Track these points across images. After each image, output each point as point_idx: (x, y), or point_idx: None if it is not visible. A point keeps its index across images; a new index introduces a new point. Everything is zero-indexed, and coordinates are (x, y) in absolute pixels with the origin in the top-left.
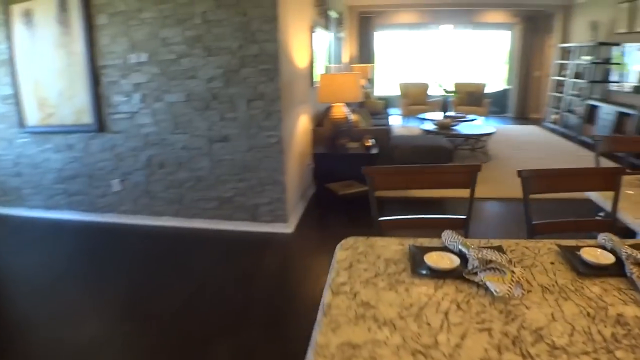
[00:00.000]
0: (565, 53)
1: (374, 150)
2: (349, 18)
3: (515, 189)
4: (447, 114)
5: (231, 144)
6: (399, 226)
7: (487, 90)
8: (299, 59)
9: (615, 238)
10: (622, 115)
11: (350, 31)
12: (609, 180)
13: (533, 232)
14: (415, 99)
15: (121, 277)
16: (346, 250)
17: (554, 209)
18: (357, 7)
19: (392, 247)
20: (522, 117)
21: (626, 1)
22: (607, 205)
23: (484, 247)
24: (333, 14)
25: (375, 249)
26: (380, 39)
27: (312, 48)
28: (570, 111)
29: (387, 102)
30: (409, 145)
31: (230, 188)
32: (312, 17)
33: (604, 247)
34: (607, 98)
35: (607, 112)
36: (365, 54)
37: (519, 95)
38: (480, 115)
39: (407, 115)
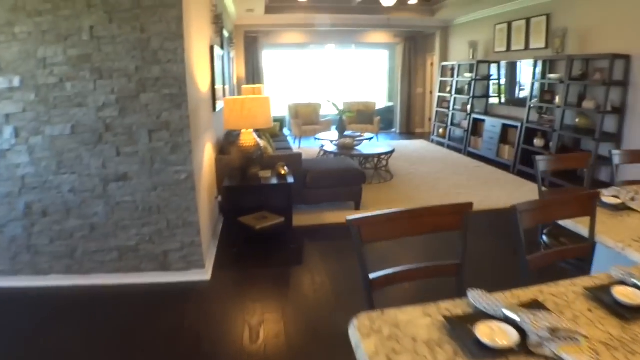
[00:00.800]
0: (447, 70)
1: (290, 179)
2: (236, 38)
3: (433, 203)
4: (346, 133)
5: (131, 184)
6: (390, 282)
7: (376, 109)
8: (202, 82)
9: (630, 270)
10: (506, 127)
11: (238, 51)
12: (586, 206)
13: (527, 270)
14: (307, 119)
15: None
16: (369, 337)
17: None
18: (243, 26)
19: (419, 321)
20: (408, 133)
21: (502, 23)
22: (582, 231)
23: (527, 309)
24: (226, 33)
25: (402, 328)
26: (268, 58)
27: (212, 69)
28: (455, 125)
29: (282, 123)
30: (321, 169)
31: (134, 235)
32: (210, 35)
33: (624, 283)
34: (489, 111)
35: (493, 124)
36: (253, 75)
37: (404, 111)
38: (372, 132)
39: (300, 135)
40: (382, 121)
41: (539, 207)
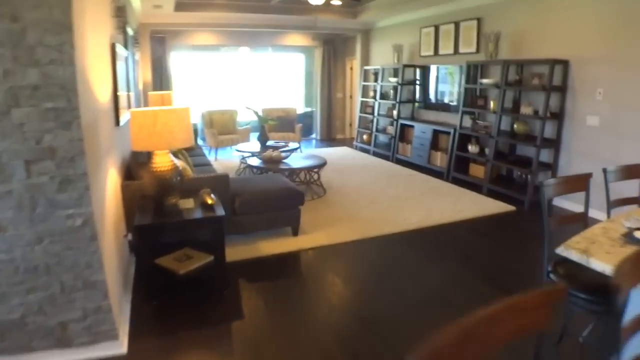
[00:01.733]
0: (370, 75)
1: (220, 210)
2: (141, 38)
3: (378, 221)
4: (268, 143)
5: (5, 236)
6: None
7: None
8: (101, 90)
9: None
10: (437, 133)
11: (143, 53)
12: None
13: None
14: (222, 128)
15: None
16: None
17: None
18: (149, 25)
19: None
20: (329, 139)
21: (428, 26)
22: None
23: None
24: (130, 31)
25: None
26: (177, 62)
27: (115, 73)
28: (380, 131)
29: (196, 133)
30: (251, 191)
31: (16, 305)
32: (110, 31)
33: None
34: (416, 117)
35: (423, 130)
36: (161, 80)
37: (324, 117)
38: (294, 140)
39: (216, 146)
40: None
41: None
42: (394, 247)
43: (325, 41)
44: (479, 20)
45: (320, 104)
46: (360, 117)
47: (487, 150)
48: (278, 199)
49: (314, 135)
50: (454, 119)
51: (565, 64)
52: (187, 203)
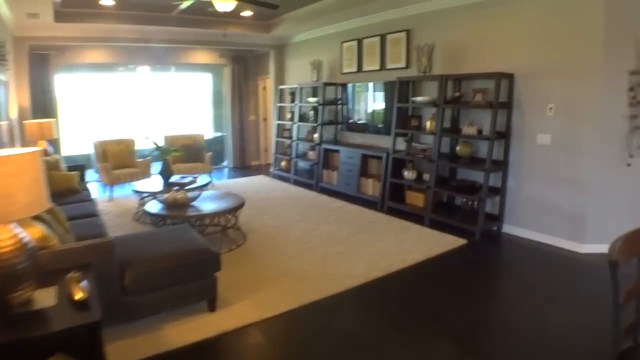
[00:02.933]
0: (286, 95)
1: (95, 314)
2: (16, 55)
3: (315, 277)
4: (173, 179)
5: None
6: None
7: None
8: None
9: None
10: (366, 158)
11: (18, 73)
12: None
13: None
14: (119, 161)
15: None
16: None
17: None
18: (27, 39)
19: None
20: (243, 167)
21: (350, 40)
22: None
23: None
24: None
25: None
26: (65, 84)
27: None
28: (300, 156)
29: (83, 170)
30: (148, 258)
31: None
32: None
33: None
34: (340, 140)
35: (350, 155)
36: (45, 105)
37: (236, 142)
38: (204, 172)
39: (112, 183)
40: (214, 154)
41: None
42: (341, 314)
43: (234, 58)
44: (408, 32)
45: (232, 129)
46: (276, 141)
47: (425, 176)
48: (186, 266)
49: (226, 163)
50: (384, 141)
51: (510, 78)
52: (46, 297)
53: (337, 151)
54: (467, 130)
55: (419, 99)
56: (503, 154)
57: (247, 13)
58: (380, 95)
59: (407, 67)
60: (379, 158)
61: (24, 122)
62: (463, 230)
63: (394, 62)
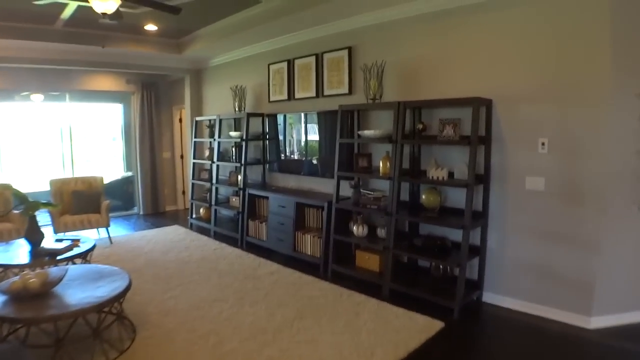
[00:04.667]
0: (204, 128)
1: None
2: None
3: None
4: (49, 241)
5: None
6: None
7: (105, 183)
8: None
9: None
10: (302, 207)
11: None
12: None
13: None
14: None
15: None
16: None
17: None
18: None
19: None
20: (156, 213)
21: (278, 62)
22: None
23: None
24: None
25: None
26: None
27: None
28: (222, 203)
29: None
30: None
31: None
32: None
33: None
34: (269, 184)
35: (281, 204)
36: None
37: (147, 184)
38: (99, 225)
39: None
40: (120, 198)
41: None
42: None
43: (145, 85)
44: (350, 49)
45: (141, 167)
46: (193, 184)
47: (380, 231)
48: None
49: (136, 210)
50: (325, 185)
51: (487, 105)
52: None
53: (266, 198)
54: (435, 173)
55: (368, 132)
56: (482, 203)
57: (151, 27)
58: (316, 128)
59: (350, 92)
60: (319, 208)
61: None
62: (435, 306)
63: (334, 87)
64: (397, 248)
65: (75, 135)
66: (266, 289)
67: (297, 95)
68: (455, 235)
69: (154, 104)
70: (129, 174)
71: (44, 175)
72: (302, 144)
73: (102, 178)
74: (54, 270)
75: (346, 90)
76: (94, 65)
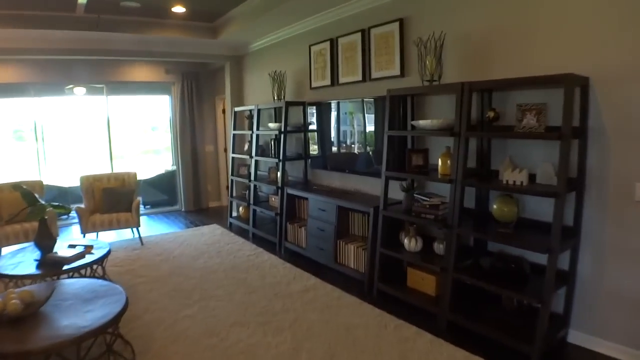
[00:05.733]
0: (243, 119)
1: None
2: None
3: None
4: (63, 247)
5: None
6: None
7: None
8: None
9: None
10: (345, 211)
11: None
12: None
13: None
14: (13, 213)
15: None
16: None
17: None
18: None
19: None
20: (198, 210)
21: (320, 42)
22: None
23: None
24: None
25: None
26: None
27: None
28: (261, 202)
29: None
30: None
31: None
32: None
33: None
34: (312, 183)
35: (321, 207)
36: None
37: (188, 179)
38: (129, 225)
39: (5, 244)
40: (166, 193)
41: None
42: None
43: (184, 75)
44: (401, 22)
45: (182, 162)
46: (232, 180)
47: (437, 246)
48: None
49: (177, 206)
50: (374, 186)
51: (582, 85)
52: None
53: (306, 199)
54: (510, 176)
55: (423, 123)
56: (573, 216)
57: (178, 9)
58: (369, 117)
59: (402, 74)
60: (365, 214)
61: None
62: (506, 349)
63: (383, 68)
64: (458, 270)
65: (116, 129)
66: (297, 312)
67: (341, 80)
68: (536, 255)
69: (195, 95)
70: (174, 168)
71: (85, 171)
72: (348, 136)
73: (135, 174)
74: (41, 288)
75: (397, 72)
76: (129, 55)
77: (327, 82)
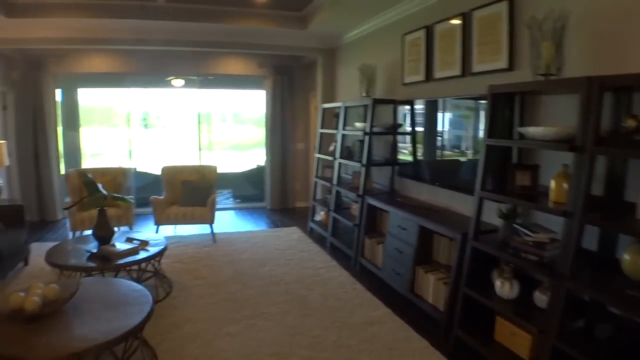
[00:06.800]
0: (330, 117)
1: None
2: None
3: None
4: (121, 240)
5: None
6: None
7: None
8: None
9: None
10: (428, 233)
11: None
12: None
13: None
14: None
15: None
16: None
17: None
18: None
19: None
20: (283, 209)
21: (415, 30)
22: None
23: None
24: None
25: None
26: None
27: None
28: (343, 209)
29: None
30: None
31: None
32: None
33: None
34: (398, 193)
35: (401, 224)
36: (34, 125)
37: (276, 177)
38: (204, 222)
39: (79, 229)
40: (256, 189)
41: None
42: None
43: (276, 69)
44: (511, 0)
45: (272, 158)
46: (316, 182)
47: (539, 297)
48: None
49: (264, 204)
50: (467, 204)
51: None
52: None
53: (387, 212)
54: None
55: (534, 130)
56: None
57: None
58: (464, 120)
59: (509, 67)
60: (450, 239)
61: None
62: None
63: (487, 59)
64: (563, 336)
65: (210, 121)
66: (350, 351)
67: (436, 75)
68: None
69: (288, 90)
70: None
71: (178, 161)
72: (441, 142)
73: (216, 168)
74: (69, 285)
75: (504, 64)
76: (219, 47)
77: (421, 77)
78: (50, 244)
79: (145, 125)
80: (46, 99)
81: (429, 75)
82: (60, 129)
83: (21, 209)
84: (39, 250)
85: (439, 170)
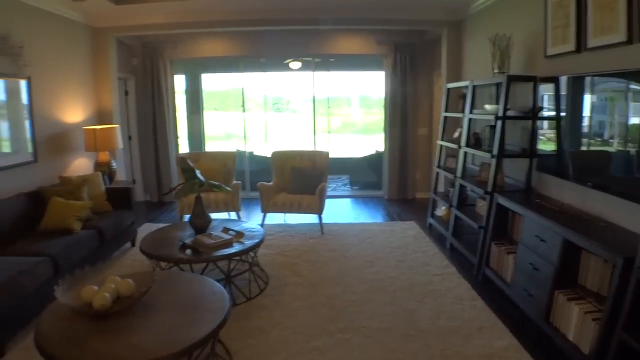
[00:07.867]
0: (456, 99)
1: None
2: (96, 49)
3: None
4: (218, 227)
5: None
6: None
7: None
8: None
9: None
10: (574, 248)
11: (99, 70)
12: None
13: None
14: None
15: None
16: None
17: None
18: (109, 30)
19: None
20: (402, 200)
21: None
22: None
23: None
24: None
25: None
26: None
27: None
28: (467, 206)
29: (128, 192)
30: None
31: None
32: None
33: None
34: (536, 192)
35: (538, 233)
36: (155, 112)
37: (394, 164)
38: (312, 212)
39: (188, 212)
40: (373, 173)
41: None
42: None
43: (397, 46)
44: None
45: (389, 145)
46: (437, 173)
47: None
48: None
49: (381, 192)
50: (633, 214)
51: None
52: None
53: (521, 216)
54: None
55: None
56: None
57: None
58: (627, 103)
59: None
60: (606, 262)
61: (84, 128)
62: None
63: None
64: None
65: (329, 105)
66: None
67: (590, 43)
68: None
69: (409, 69)
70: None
71: (296, 145)
72: (601, 130)
73: (327, 154)
74: (145, 280)
75: None
76: (336, 23)
77: (570, 46)
78: (161, 225)
79: (278, 109)
80: (164, 84)
81: (580, 44)
82: (185, 113)
83: (129, 192)
84: (148, 231)
85: (592, 167)
